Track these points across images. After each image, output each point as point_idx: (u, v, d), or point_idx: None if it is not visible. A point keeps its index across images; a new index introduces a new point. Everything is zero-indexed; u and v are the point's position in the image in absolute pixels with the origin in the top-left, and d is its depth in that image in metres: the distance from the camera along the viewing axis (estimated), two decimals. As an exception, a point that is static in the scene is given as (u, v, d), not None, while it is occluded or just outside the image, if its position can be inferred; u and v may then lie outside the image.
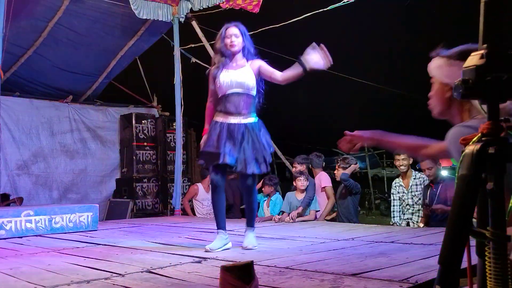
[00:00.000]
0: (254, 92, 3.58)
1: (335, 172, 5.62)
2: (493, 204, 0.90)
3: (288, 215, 5.44)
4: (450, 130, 1.59)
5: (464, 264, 0.95)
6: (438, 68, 1.68)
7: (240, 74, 3.54)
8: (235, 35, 3.58)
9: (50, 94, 8.41)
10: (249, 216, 3.70)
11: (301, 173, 5.62)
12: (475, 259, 0.97)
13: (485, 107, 0.97)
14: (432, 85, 1.75)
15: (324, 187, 5.68)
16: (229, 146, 3.40)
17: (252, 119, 3.56)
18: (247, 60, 3.61)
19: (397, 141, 2.02)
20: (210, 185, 3.83)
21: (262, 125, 3.63)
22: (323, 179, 5.77)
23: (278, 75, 3.54)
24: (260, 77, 3.62)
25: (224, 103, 3.52)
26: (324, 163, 6.15)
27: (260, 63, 3.64)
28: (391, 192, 5.39)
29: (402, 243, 3.56)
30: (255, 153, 3.45)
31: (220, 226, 3.51)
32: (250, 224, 3.63)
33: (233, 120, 3.49)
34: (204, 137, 3.58)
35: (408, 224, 5.08)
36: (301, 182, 5.52)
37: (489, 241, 0.89)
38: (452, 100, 1.64)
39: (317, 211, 5.62)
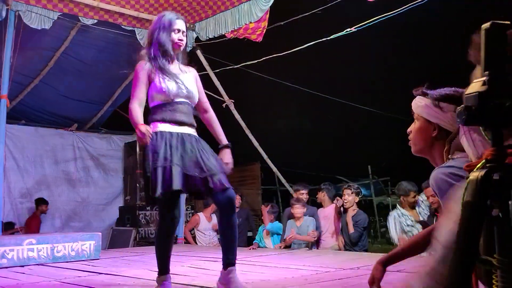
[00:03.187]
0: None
1: (344, 198, 5.55)
2: (499, 231, 0.89)
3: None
4: (432, 174, 1.59)
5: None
6: (425, 107, 1.72)
7: (188, 82, 2.92)
8: (183, 32, 2.94)
9: (55, 122, 8.49)
10: (233, 248, 2.78)
11: (298, 200, 5.63)
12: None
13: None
14: (414, 121, 1.78)
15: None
16: (190, 162, 2.70)
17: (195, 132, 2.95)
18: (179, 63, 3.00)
19: (403, 251, 2.01)
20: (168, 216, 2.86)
21: None
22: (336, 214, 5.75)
23: (207, 108, 3.06)
24: None
25: (171, 112, 2.81)
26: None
27: (197, 77, 3.08)
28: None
29: (408, 272, 3.49)
30: (220, 164, 2.81)
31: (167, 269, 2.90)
32: (234, 259, 2.76)
33: (186, 130, 2.83)
34: (149, 154, 2.68)
35: None
36: (298, 210, 5.54)
37: (496, 269, 0.88)
38: (436, 139, 1.69)
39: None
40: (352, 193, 5.54)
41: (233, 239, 2.76)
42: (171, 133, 2.74)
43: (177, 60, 2.97)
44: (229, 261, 2.71)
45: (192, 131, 2.86)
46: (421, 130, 1.73)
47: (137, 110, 2.79)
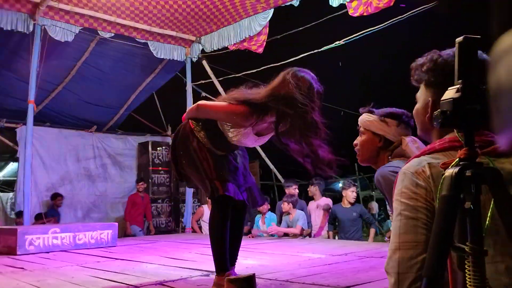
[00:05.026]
0: None
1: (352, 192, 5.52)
2: (471, 222, 0.89)
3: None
4: (377, 172, 1.69)
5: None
6: (371, 122, 1.83)
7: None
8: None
9: (77, 124, 8.49)
10: (238, 250, 2.62)
11: (290, 196, 5.76)
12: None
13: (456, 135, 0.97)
14: (360, 134, 1.87)
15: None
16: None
17: None
18: None
19: None
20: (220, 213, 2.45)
21: None
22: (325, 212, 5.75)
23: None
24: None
25: (228, 148, 2.55)
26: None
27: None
28: None
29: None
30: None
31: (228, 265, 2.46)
32: (234, 262, 2.59)
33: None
34: (208, 156, 2.44)
35: None
36: (286, 205, 5.67)
37: (468, 255, 0.88)
38: (381, 148, 1.80)
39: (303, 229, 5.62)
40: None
41: (239, 241, 2.59)
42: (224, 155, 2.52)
43: None
44: (232, 264, 2.51)
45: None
46: (368, 141, 1.83)
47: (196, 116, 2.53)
